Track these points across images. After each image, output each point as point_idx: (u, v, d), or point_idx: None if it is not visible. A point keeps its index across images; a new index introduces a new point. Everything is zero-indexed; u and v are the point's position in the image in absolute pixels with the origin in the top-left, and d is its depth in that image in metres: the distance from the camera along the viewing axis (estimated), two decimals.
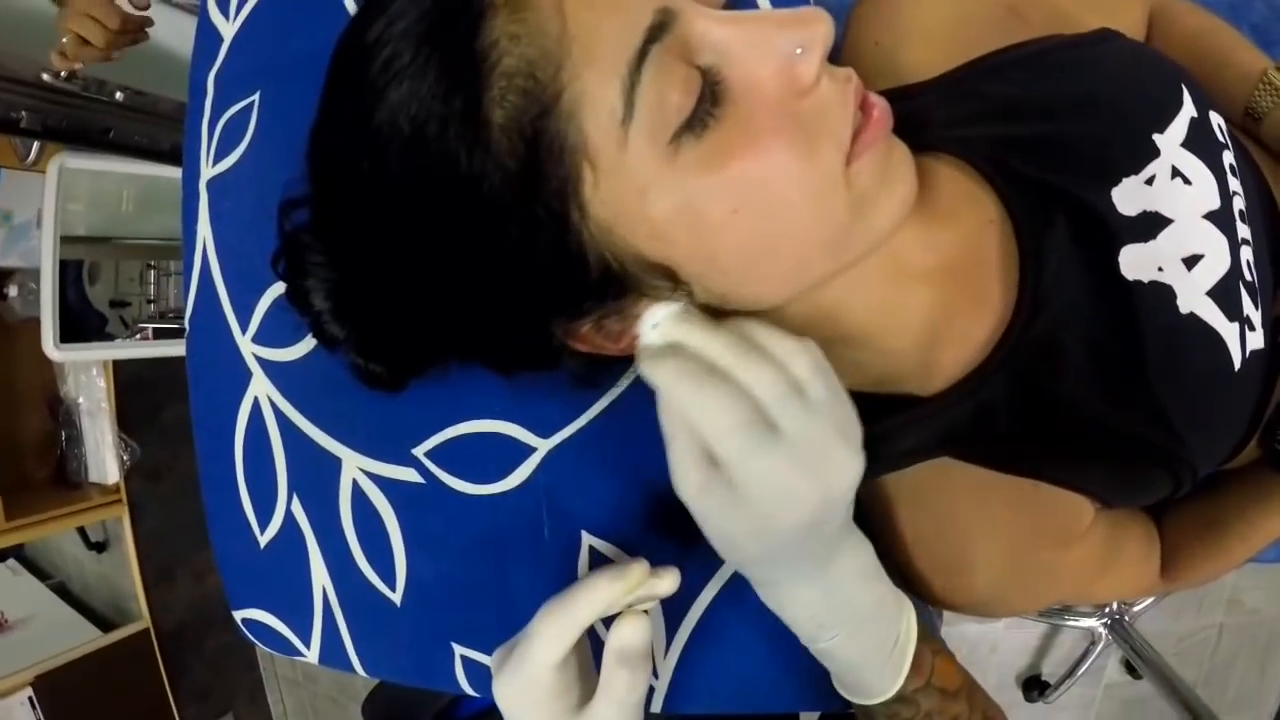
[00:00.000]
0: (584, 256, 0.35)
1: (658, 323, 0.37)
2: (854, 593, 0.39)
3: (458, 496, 0.55)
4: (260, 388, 0.62)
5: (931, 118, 0.45)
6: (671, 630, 0.53)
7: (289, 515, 0.62)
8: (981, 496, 0.45)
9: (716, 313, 0.38)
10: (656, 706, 0.55)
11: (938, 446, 0.44)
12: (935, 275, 0.43)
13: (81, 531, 1.90)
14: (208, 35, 0.67)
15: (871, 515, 0.48)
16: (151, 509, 1.85)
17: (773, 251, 0.36)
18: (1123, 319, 0.42)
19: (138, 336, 1.64)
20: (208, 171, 0.65)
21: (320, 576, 0.62)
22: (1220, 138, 0.47)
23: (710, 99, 0.33)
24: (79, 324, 1.54)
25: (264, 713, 2.12)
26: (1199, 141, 0.45)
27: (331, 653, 0.65)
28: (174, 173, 1.56)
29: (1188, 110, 0.45)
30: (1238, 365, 0.44)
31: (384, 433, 0.57)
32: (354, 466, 0.58)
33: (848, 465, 0.35)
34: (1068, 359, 0.43)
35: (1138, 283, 0.42)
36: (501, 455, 0.53)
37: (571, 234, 0.34)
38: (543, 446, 0.52)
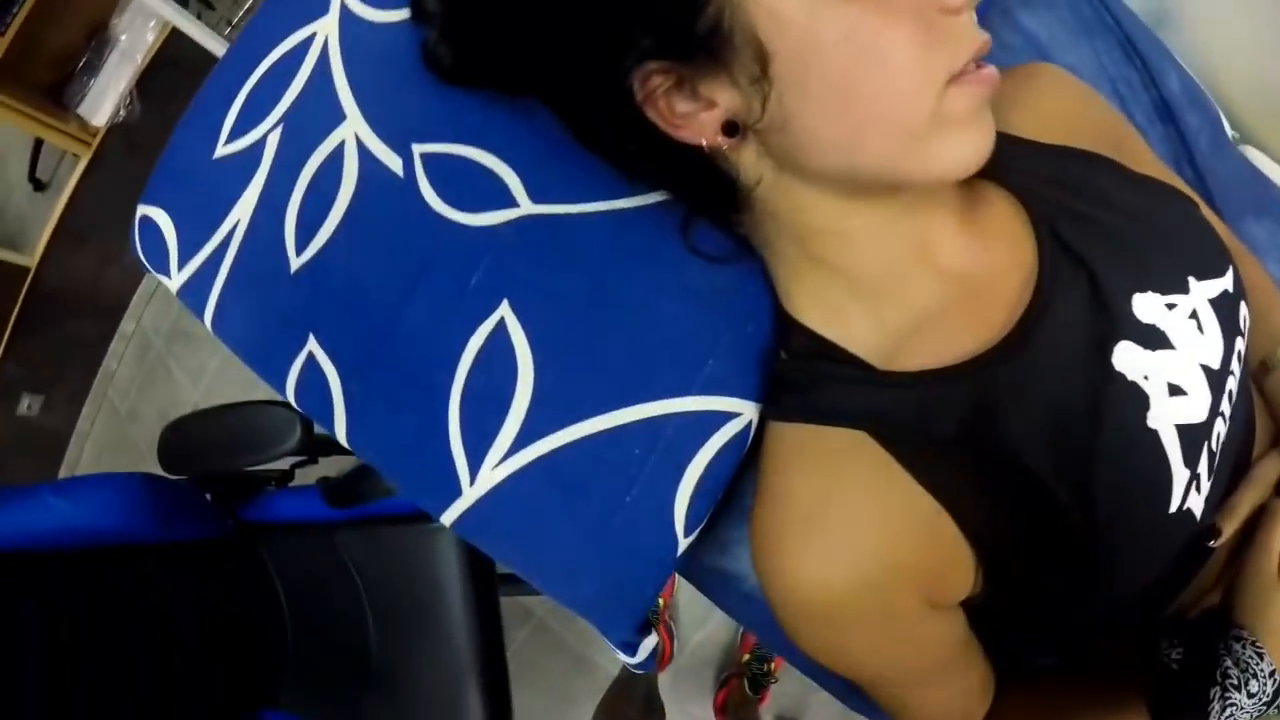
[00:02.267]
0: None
1: None
2: None
3: (420, 204, 0.52)
4: (326, 27, 0.60)
5: (1012, 162, 0.47)
6: (514, 451, 0.49)
7: (261, 141, 0.59)
8: (883, 489, 0.42)
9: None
10: (449, 519, 0.52)
11: (867, 419, 0.42)
12: (952, 278, 0.44)
13: (34, 162, 1.86)
14: None
15: (764, 458, 0.45)
16: (109, 171, 1.79)
17: (853, 95, 0.37)
18: (1095, 399, 0.42)
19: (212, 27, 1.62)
20: None
21: (243, 209, 0.59)
22: (1241, 326, 0.48)
23: None
24: None
25: (70, 419, 2.01)
26: (1224, 310, 0.47)
27: (195, 289, 0.61)
28: None
29: (1227, 283, 0.47)
30: (1173, 508, 0.44)
31: (400, 117, 0.54)
32: (352, 129, 0.55)
33: None
34: (1029, 406, 0.42)
35: (1122, 376, 0.43)
36: (486, 193, 0.51)
37: None
38: (526, 208, 0.50)
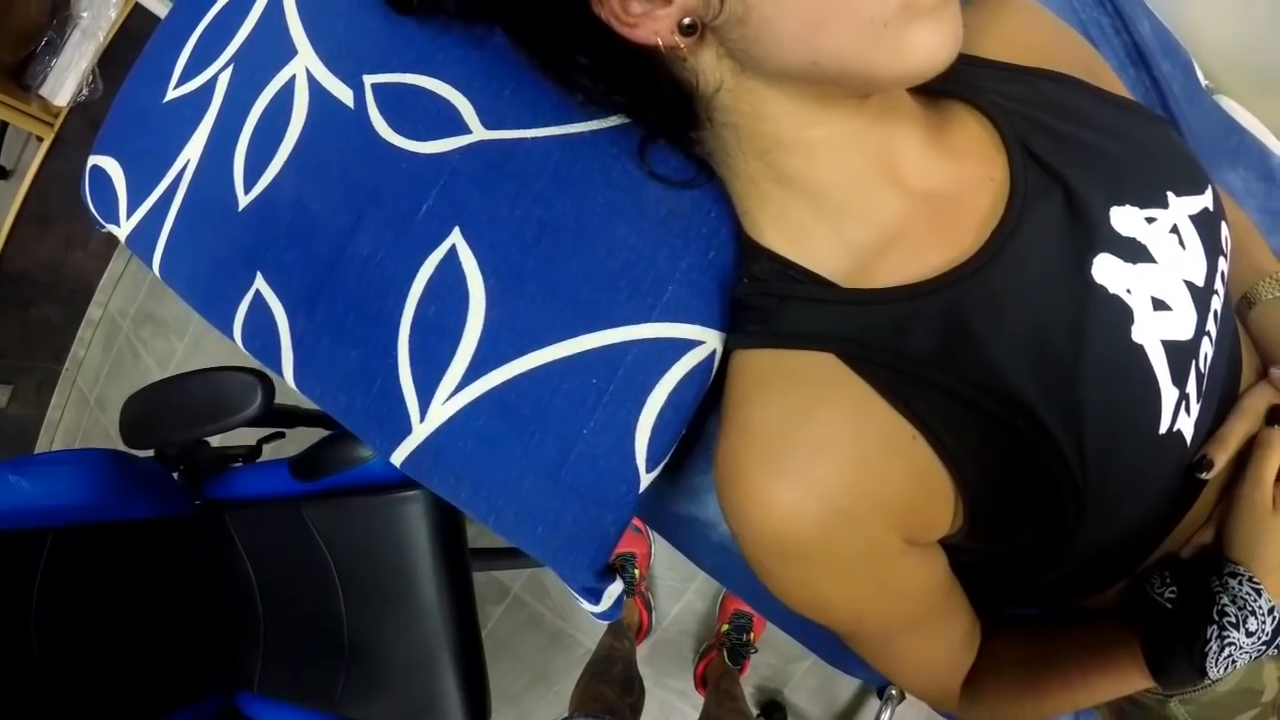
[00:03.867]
0: None
1: None
2: None
3: (370, 134, 0.50)
4: None
5: (982, 83, 0.46)
6: (465, 384, 0.48)
7: (212, 81, 0.58)
8: (854, 415, 0.40)
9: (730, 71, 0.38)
10: (399, 459, 0.50)
11: (837, 341, 0.41)
12: (918, 196, 0.43)
13: None
14: None
15: (728, 390, 0.44)
16: (73, 152, 1.75)
17: None
18: (1077, 313, 0.41)
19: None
20: None
21: (193, 149, 0.57)
22: (1223, 246, 0.47)
23: None
24: None
25: (39, 408, 1.97)
26: (1205, 226, 0.45)
27: (143, 235, 0.59)
28: None
29: (1207, 201, 0.46)
30: (1163, 429, 0.42)
31: (352, 49, 0.53)
32: (303, 64, 0.54)
33: None
34: (1009, 324, 0.40)
35: (1103, 289, 0.41)
36: (437, 121, 0.49)
37: None
38: (479, 134, 0.49)
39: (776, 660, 1.31)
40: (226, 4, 0.60)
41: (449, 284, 0.48)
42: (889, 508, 0.41)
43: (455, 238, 0.48)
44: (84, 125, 1.73)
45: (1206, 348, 0.44)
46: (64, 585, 0.90)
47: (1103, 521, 0.44)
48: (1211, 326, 0.44)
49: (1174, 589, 0.47)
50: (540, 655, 1.41)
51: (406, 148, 0.50)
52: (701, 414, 0.52)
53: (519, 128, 0.48)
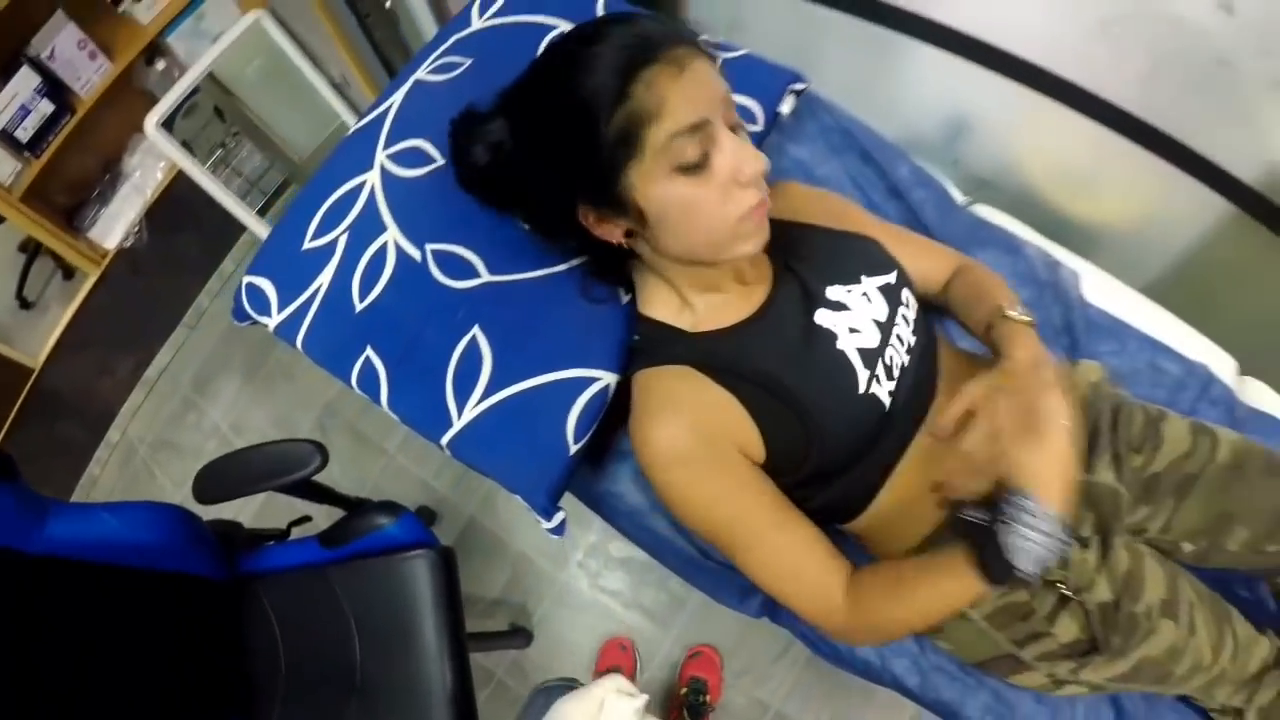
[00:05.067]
0: (619, 179, 0.68)
1: None
2: None
3: (429, 277, 0.98)
4: (372, 177, 1.06)
5: (774, 234, 0.77)
6: (491, 393, 0.93)
7: (334, 241, 1.04)
8: (700, 390, 0.73)
9: (658, 262, 0.78)
10: (445, 441, 0.94)
11: (689, 359, 0.75)
12: (747, 283, 0.82)
13: (21, 282, 1.96)
14: (462, 19, 1.19)
15: (635, 392, 0.78)
16: (114, 290, 1.96)
17: (688, 230, 0.70)
18: (806, 338, 0.76)
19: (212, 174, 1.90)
20: (421, 74, 1.14)
21: (324, 278, 1.03)
22: (902, 299, 0.81)
23: (703, 161, 0.67)
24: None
25: (129, 382, 2.13)
26: (888, 290, 0.82)
27: (288, 326, 1.03)
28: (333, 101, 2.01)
29: (890, 278, 0.82)
30: (861, 389, 0.75)
31: (419, 228, 1.00)
32: (392, 236, 1.01)
33: None
34: (771, 345, 0.76)
35: (820, 325, 0.77)
36: (464, 270, 0.97)
37: (624, 169, 0.68)
38: (486, 277, 0.96)
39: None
40: (340, 196, 1.07)
41: (473, 352, 0.94)
42: (726, 432, 0.73)
43: (476, 330, 0.95)
44: (126, 267, 1.98)
45: (891, 354, 0.78)
46: (104, 621, 1.04)
47: (830, 450, 0.75)
48: (895, 342, 0.78)
49: (983, 512, 0.66)
50: None
51: (449, 285, 0.97)
52: (610, 430, 0.98)
53: (509, 274, 0.96)
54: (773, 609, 1.10)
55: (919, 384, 0.81)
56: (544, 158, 0.73)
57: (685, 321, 0.80)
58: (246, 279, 1.08)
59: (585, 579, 1.74)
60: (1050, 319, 1.13)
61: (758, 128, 1.08)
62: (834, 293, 0.80)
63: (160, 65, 1.90)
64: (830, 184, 1.19)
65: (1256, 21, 0.97)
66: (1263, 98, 1.05)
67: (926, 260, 0.95)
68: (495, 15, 1.15)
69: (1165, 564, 0.84)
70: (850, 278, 0.81)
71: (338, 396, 2.02)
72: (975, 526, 0.66)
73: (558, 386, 0.93)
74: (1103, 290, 1.18)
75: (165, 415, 2.12)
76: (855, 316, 0.78)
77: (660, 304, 0.82)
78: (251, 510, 1.92)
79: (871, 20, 1.24)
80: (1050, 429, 0.65)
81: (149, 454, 2.10)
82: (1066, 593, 0.79)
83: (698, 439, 0.73)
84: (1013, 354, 0.74)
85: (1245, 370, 1.20)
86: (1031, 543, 0.62)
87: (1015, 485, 0.64)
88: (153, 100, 1.79)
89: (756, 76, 1.09)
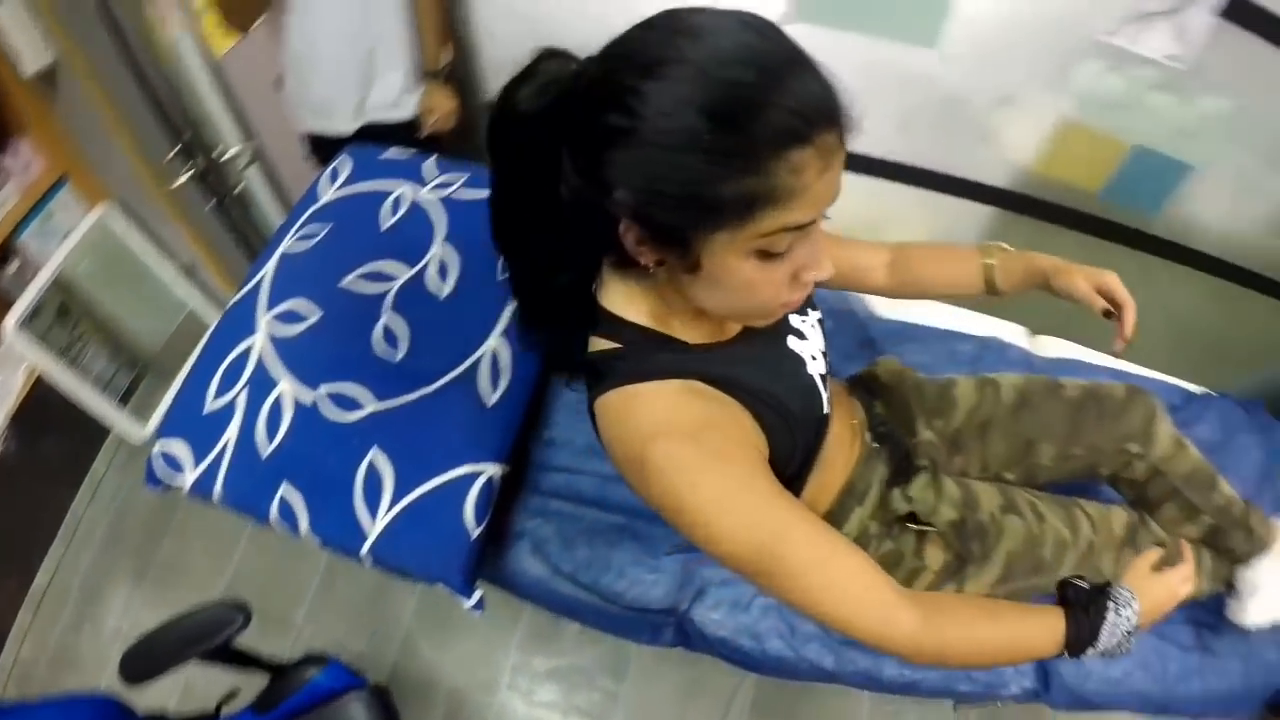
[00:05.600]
0: (702, 236, 0.60)
1: None
2: None
3: (320, 415, 1.16)
4: (259, 341, 1.23)
5: None
6: (396, 501, 1.11)
7: (234, 400, 1.20)
8: (702, 397, 0.69)
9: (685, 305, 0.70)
10: (363, 552, 1.11)
11: (686, 371, 0.70)
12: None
13: None
14: (310, 195, 1.40)
15: (603, 423, 0.71)
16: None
17: (738, 299, 0.66)
18: (781, 359, 0.79)
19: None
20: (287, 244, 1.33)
21: (230, 434, 1.18)
22: (821, 332, 0.87)
23: (779, 253, 0.61)
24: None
25: (13, 603, 2.01)
26: (822, 323, 0.88)
27: (201, 484, 1.18)
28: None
29: (819, 311, 0.88)
30: (824, 411, 0.82)
31: (310, 374, 1.18)
32: (288, 386, 1.18)
33: None
34: (760, 363, 0.76)
35: (792, 350, 0.81)
36: (353, 404, 1.15)
37: (714, 230, 0.59)
38: (372, 407, 1.15)
39: None
40: (233, 359, 1.23)
41: (374, 471, 1.12)
42: (727, 429, 0.69)
43: (374, 451, 1.13)
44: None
45: (824, 373, 0.85)
46: None
47: (797, 463, 0.79)
48: (821, 366, 0.85)
49: (1088, 583, 0.78)
50: None
51: (341, 420, 1.15)
52: (502, 512, 1.17)
53: (394, 398, 1.16)
54: (685, 638, 1.27)
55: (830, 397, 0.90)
56: (633, 161, 0.57)
57: (675, 331, 0.74)
58: (158, 447, 1.21)
59: (519, 699, 1.77)
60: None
61: None
62: (795, 321, 0.85)
63: (14, 266, 1.85)
64: None
65: (963, 56, 1.32)
66: (993, 116, 1.41)
67: (866, 256, 1.02)
68: (344, 185, 1.36)
69: (994, 485, 1.03)
70: (804, 308, 0.87)
71: (234, 579, 1.97)
72: (1082, 593, 0.77)
73: (452, 485, 1.12)
74: (894, 304, 1.48)
75: (59, 631, 2.02)
76: (811, 345, 0.85)
77: (644, 310, 0.73)
78: (176, 697, 1.83)
79: None
80: (1179, 585, 0.82)
81: (47, 673, 1.97)
82: (918, 527, 0.96)
83: (694, 440, 0.66)
84: (1064, 266, 0.91)
85: (1037, 331, 1.51)
86: (1117, 629, 0.74)
87: (1129, 586, 0.78)
88: (8, 302, 1.76)
89: None
